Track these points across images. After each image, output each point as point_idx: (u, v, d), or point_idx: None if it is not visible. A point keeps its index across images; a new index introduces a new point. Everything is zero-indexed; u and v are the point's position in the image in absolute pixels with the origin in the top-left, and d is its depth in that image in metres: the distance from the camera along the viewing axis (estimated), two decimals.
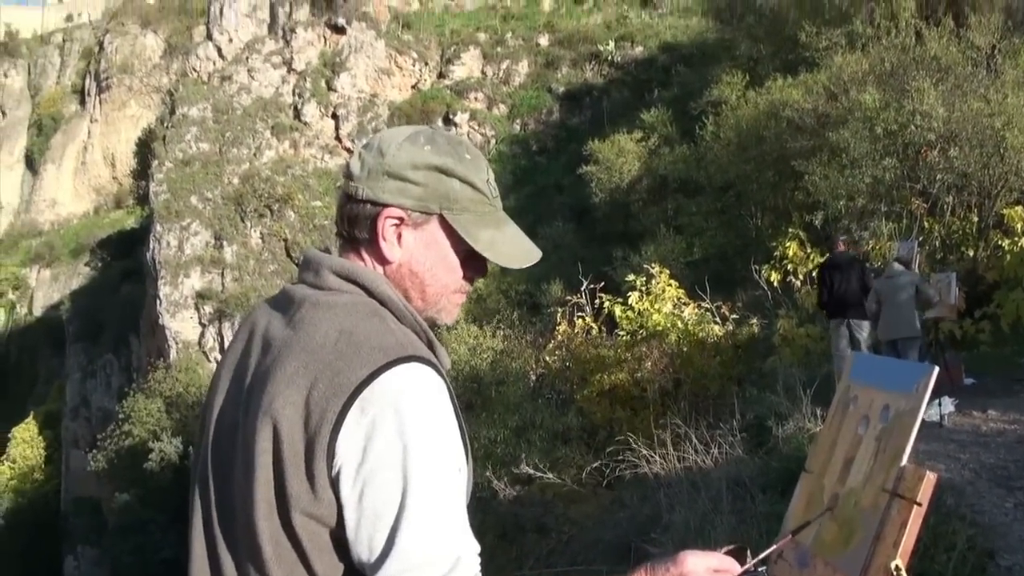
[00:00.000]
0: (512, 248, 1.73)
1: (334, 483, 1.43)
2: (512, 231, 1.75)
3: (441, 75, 44.00)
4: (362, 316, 1.56)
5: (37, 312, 78.37)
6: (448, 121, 40.74)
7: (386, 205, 1.65)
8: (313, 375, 1.47)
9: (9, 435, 58.11)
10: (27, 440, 56.82)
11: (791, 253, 16.75)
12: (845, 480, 1.74)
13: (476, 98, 42.18)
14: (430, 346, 1.63)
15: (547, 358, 15.72)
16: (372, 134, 35.92)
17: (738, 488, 6.87)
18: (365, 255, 1.69)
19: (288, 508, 1.46)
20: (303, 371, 1.48)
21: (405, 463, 1.40)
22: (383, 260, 1.68)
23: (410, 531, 1.39)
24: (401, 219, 1.66)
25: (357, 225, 1.68)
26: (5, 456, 56.66)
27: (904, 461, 1.59)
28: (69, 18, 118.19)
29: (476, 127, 40.50)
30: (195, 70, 45.85)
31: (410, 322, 1.63)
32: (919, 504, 1.51)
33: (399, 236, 1.67)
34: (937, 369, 1.65)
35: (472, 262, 1.73)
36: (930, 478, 1.52)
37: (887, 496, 1.59)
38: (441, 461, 1.44)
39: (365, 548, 1.43)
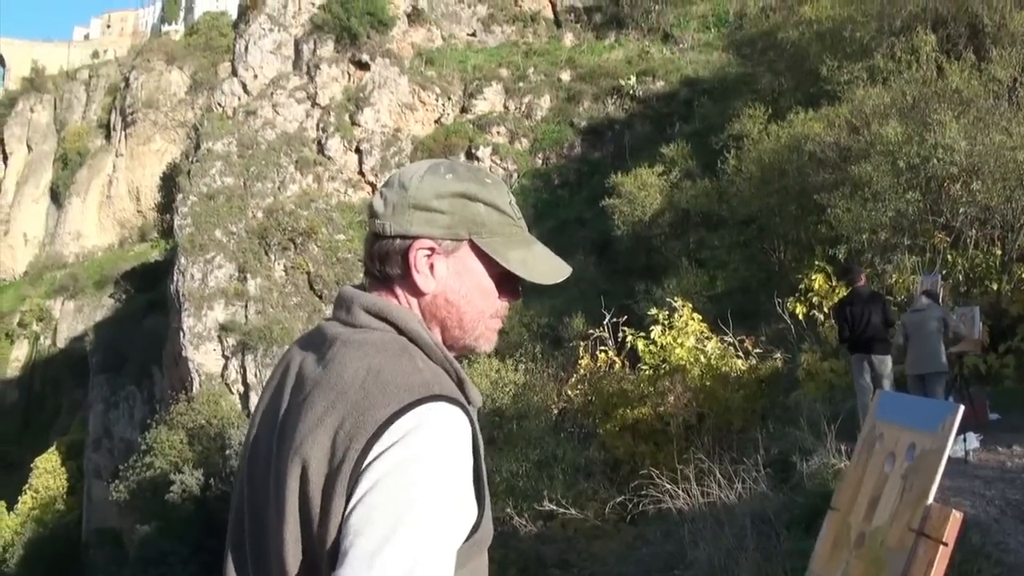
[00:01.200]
0: (544, 266, 1.74)
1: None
2: (541, 249, 1.75)
3: (464, 110, 44.21)
4: (391, 354, 1.56)
5: (61, 343, 78.88)
6: (470, 155, 40.86)
7: (416, 237, 1.66)
8: (341, 415, 1.47)
9: (32, 465, 58.33)
10: (49, 470, 57.02)
11: (817, 286, 16.66)
12: (871, 518, 1.75)
13: (498, 132, 42.34)
14: (460, 384, 1.62)
15: (569, 392, 15.64)
16: (395, 168, 36.21)
17: (763, 524, 6.81)
18: (399, 291, 1.70)
19: (314, 548, 1.47)
20: (331, 411, 1.49)
21: (402, 496, 1.39)
22: (418, 292, 1.69)
23: (382, 560, 1.34)
24: (432, 249, 1.67)
25: (388, 261, 1.68)
26: (27, 486, 56.82)
27: (930, 500, 1.60)
28: (95, 55, 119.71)
29: (498, 161, 40.61)
30: (220, 105, 46.24)
31: (439, 359, 1.62)
32: (945, 544, 1.51)
33: (431, 267, 1.68)
34: (963, 408, 1.66)
35: (506, 285, 1.74)
36: (956, 517, 1.53)
37: (913, 535, 1.59)
38: (439, 500, 1.42)
39: (338, 559, 1.39)
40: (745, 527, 6.71)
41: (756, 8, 35.24)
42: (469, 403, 1.60)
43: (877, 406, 2.01)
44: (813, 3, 25.08)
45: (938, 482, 1.65)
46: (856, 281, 10.34)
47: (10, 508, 55.61)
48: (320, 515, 1.45)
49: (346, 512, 1.42)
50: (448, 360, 1.64)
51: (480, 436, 1.57)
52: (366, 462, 1.42)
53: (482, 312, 1.73)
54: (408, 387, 1.48)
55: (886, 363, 9.83)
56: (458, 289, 1.70)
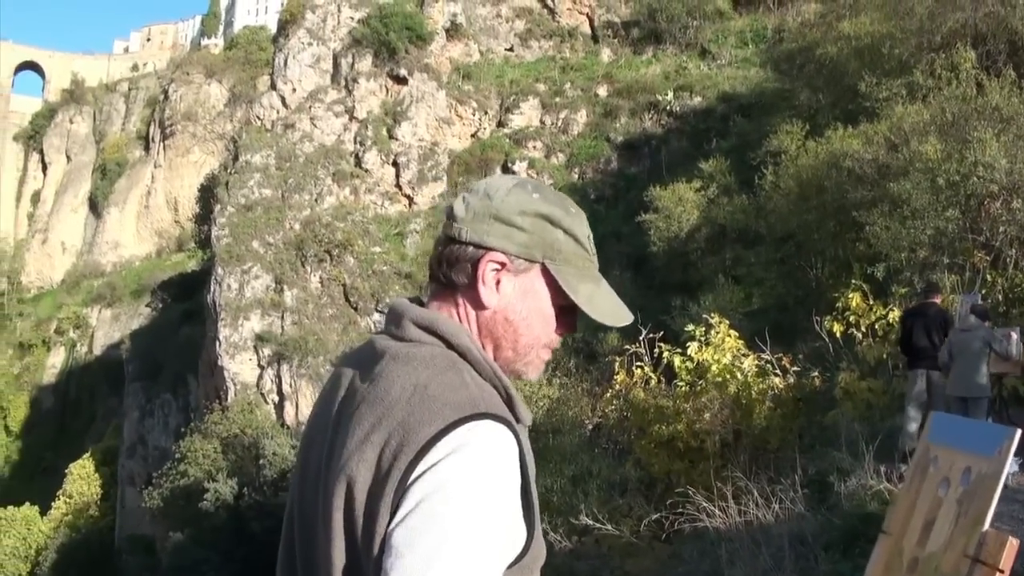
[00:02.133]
0: (607, 305, 1.70)
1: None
2: (607, 289, 1.72)
3: (500, 124, 44.30)
4: (438, 369, 1.53)
5: (97, 351, 79.77)
6: (506, 169, 40.93)
7: (490, 249, 1.63)
8: (387, 432, 1.46)
9: (66, 470, 58.94)
10: (83, 476, 57.56)
11: (854, 304, 16.51)
12: (925, 544, 1.73)
13: (535, 147, 42.38)
14: (509, 401, 1.58)
15: (604, 407, 15.58)
16: (431, 181, 36.32)
17: (800, 546, 6.75)
18: (460, 300, 1.66)
19: (360, 565, 1.46)
20: (377, 427, 1.47)
21: (445, 520, 1.37)
22: (479, 305, 1.65)
23: None
24: (503, 264, 1.63)
25: (456, 267, 1.65)
26: (61, 491, 57.41)
27: (986, 526, 1.59)
28: (135, 67, 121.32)
29: (534, 175, 40.52)
30: (259, 118, 46.68)
31: (489, 375, 1.59)
32: (1001, 571, 1.50)
33: (498, 282, 1.64)
34: (1020, 432, 1.64)
35: (564, 317, 1.70)
36: (1012, 544, 1.51)
37: (969, 562, 1.58)
38: (480, 523, 1.39)
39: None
40: (783, 548, 6.66)
41: (794, 24, 35.14)
42: (518, 421, 1.57)
43: (931, 428, 1.99)
44: (852, 19, 24.94)
45: (994, 507, 1.63)
46: (930, 296, 10.25)
47: (44, 513, 56.15)
48: (365, 533, 1.44)
49: (388, 530, 1.40)
50: (498, 376, 1.61)
51: (529, 455, 1.54)
52: (410, 480, 1.40)
53: (537, 339, 1.70)
54: (455, 404, 1.46)
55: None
56: (520, 310, 1.67)
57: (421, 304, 1.71)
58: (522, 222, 1.64)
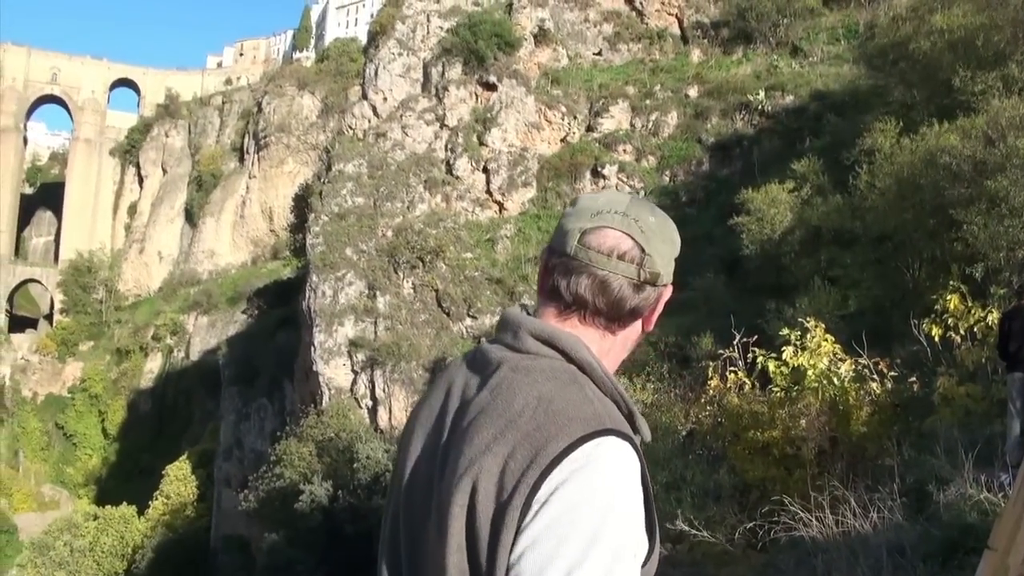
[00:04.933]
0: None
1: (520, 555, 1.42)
2: None
3: (590, 128, 44.17)
4: (561, 383, 1.55)
5: (194, 356, 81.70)
6: (596, 173, 40.87)
7: (666, 285, 1.68)
8: (511, 444, 1.47)
9: (163, 472, 60.43)
10: (180, 477, 58.97)
11: (952, 306, 16.11)
12: None
13: (625, 150, 42.17)
14: (630, 416, 1.61)
15: (698, 413, 15.44)
16: (521, 187, 36.35)
17: (899, 557, 6.61)
18: (590, 318, 1.67)
19: (474, 572, 1.47)
20: (500, 439, 1.48)
21: (577, 542, 1.38)
22: (618, 329, 1.68)
23: None
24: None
25: (608, 295, 1.65)
26: (159, 492, 58.87)
27: None
28: (228, 81, 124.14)
29: (625, 179, 40.46)
30: (351, 128, 47.26)
31: (610, 390, 1.60)
32: None
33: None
34: None
35: None
36: None
37: None
38: (610, 543, 1.40)
39: None
40: (880, 559, 6.54)
41: (885, 19, 34.44)
42: (637, 434, 1.59)
43: None
44: (944, 11, 24.37)
45: None
46: None
47: (141, 513, 57.67)
48: (488, 545, 1.45)
49: (515, 548, 1.42)
50: (618, 391, 1.62)
51: (647, 470, 1.55)
52: (537, 496, 1.42)
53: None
54: (581, 419, 1.48)
55: None
56: (632, 336, 1.72)
57: (530, 315, 1.72)
58: (674, 252, 1.70)
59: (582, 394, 1.54)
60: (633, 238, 1.66)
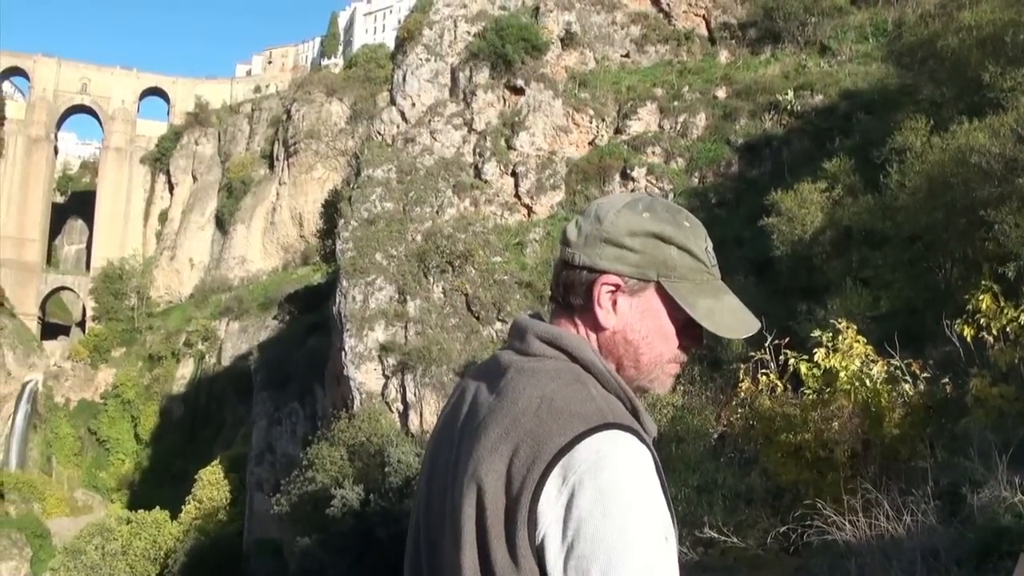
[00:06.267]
0: (731, 317, 1.71)
1: (538, 552, 1.45)
2: (730, 300, 1.73)
3: (618, 131, 44.07)
4: (564, 382, 1.58)
5: (225, 362, 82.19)
6: (625, 176, 40.76)
7: (603, 272, 1.67)
8: (515, 443, 1.49)
9: (196, 476, 60.84)
10: (212, 482, 59.28)
11: (984, 306, 15.96)
12: None
13: (653, 152, 42.02)
14: (635, 413, 1.61)
15: (729, 415, 15.37)
16: (550, 191, 36.37)
17: (933, 560, 6.58)
18: (579, 321, 1.71)
19: (487, 571, 1.49)
20: (505, 438, 1.51)
21: (606, 535, 1.39)
22: (598, 327, 1.69)
23: None
24: (617, 286, 1.68)
25: (573, 291, 1.70)
26: (191, 496, 59.28)
27: None
28: (257, 89, 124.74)
29: (653, 181, 40.32)
30: (379, 133, 47.40)
31: (614, 388, 1.63)
32: None
33: (615, 303, 1.69)
34: None
35: (688, 331, 1.72)
36: None
37: None
38: (643, 531, 1.42)
39: None
40: (915, 562, 6.51)
41: (914, 16, 34.19)
42: (644, 432, 1.59)
43: None
44: (972, 8, 24.20)
45: None
46: None
47: (173, 517, 58.13)
48: (501, 544, 1.47)
49: (536, 544, 1.44)
50: (623, 389, 1.64)
51: (660, 465, 1.56)
52: (544, 492, 1.44)
53: (661, 355, 1.72)
54: (582, 415, 1.50)
55: None
56: (639, 329, 1.70)
57: (542, 320, 1.76)
58: (632, 243, 1.68)
59: (584, 392, 1.56)
60: (578, 224, 1.72)
